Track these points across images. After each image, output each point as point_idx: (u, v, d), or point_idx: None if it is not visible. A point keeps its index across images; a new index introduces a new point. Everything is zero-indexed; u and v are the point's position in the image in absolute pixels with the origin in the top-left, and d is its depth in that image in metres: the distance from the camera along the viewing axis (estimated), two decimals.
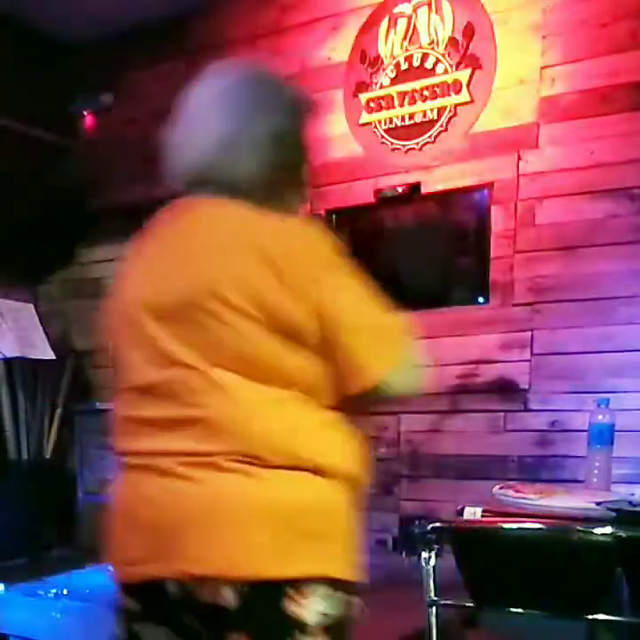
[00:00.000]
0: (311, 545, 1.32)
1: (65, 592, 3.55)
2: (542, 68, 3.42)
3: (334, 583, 1.34)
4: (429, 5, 3.63)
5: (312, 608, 1.31)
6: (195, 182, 1.42)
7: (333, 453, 1.37)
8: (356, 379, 1.35)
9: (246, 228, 1.37)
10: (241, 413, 1.32)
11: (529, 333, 3.43)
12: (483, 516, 2.13)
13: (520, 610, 2.04)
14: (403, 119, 3.71)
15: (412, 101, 3.68)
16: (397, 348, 1.38)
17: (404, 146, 3.71)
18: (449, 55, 3.59)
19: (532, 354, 3.43)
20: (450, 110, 3.59)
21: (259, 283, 1.31)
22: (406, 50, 3.70)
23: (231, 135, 1.37)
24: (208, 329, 1.34)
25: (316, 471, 1.34)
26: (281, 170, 1.41)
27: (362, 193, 3.79)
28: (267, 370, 1.33)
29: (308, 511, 1.33)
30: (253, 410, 1.33)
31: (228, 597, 1.29)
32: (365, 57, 3.81)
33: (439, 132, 3.62)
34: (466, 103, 3.56)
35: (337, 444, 1.39)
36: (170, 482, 1.36)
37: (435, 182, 3.66)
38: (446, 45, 3.59)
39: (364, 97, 3.81)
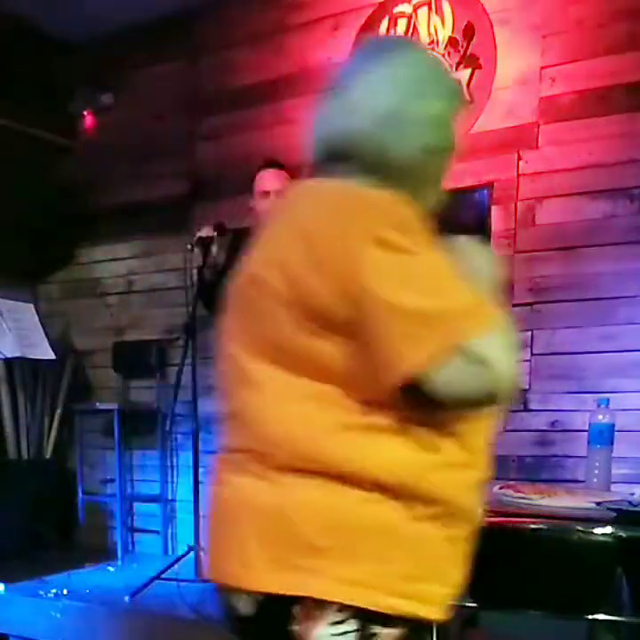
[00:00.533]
0: (320, 562, 1.17)
1: (65, 592, 3.56)
2: (542, 68, 3.43)
3: (352, 611, 1.17)
4: (429, 5, 3.63)
5: (319, 633, 1.18)
6: (335, 155, 1.31)
7: (373, 460, 1.18)
8: (385, 371, 1.14)
9: (306, 202, 1.27)
10: (263, 409, 1.23)
11: (529, 333, 3.43)
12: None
13: (520, 610, 2.03)
14: None
15: None
16: (447, 338, 1.11)
17: None
18: (449, 55, 3.59)
19: (531, 354, 3.43)
20: None
21: (293, 262, 1.19)
22: None
23: (391, 112, 1.29)
24: (248, 316, 1.28)
25: (345, 479, 1.17)
26: (430, 155, 1.34)
27: None
28: (300, 359, 1.20)
29: (320, 524, 1.17)
30: (277, 406, 1.22)
31: (244, 605, 1.24)
32: None
33: None
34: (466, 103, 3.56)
35: (383, 449, 1.18)
36: (218, 482, 1.33)
37: None
38: (446, 45, 3.60)
39: None
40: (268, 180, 3.50)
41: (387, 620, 1.18)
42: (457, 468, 1.23)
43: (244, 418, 1.27)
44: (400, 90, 1.30)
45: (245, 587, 1.22)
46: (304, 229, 1.20)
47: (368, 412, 1.19)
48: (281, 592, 1.18)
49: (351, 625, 1.17)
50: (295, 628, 1.19)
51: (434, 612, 1.22)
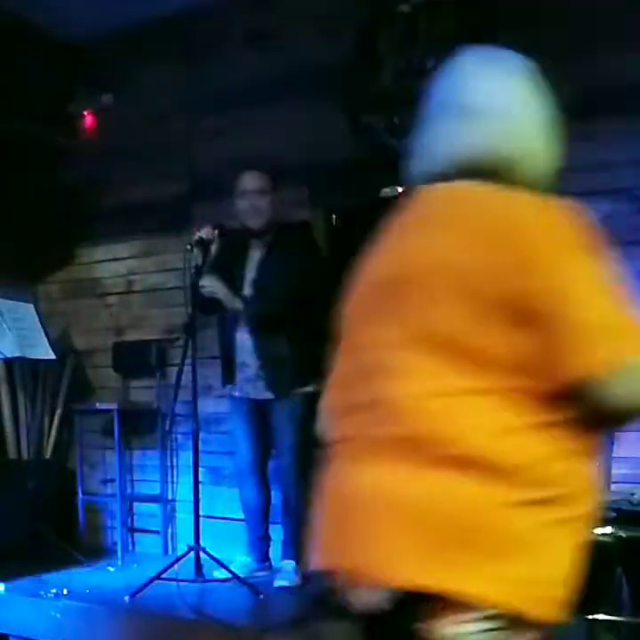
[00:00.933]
0: (467, 559, 1.17)
1: (65, 592, 3.56)
2: (542, 67, 3.42)
3: (496, 610, 1.17)
4: (429, 6, 3.63)
5: (458, 630, 1.17)
6: (472, 171, 1.39)
7: (526, 461, 1.19)
8: (560, 369, 1.18)
9: (474, 203, 1.35)
10: (415, 401, 1.23)
11: None
12: None
13: None
14: None
15: None
16: (624, 350, 1.18)
17: None
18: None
19: None
20: None
21: (468, 260, 1.25)
22: (406, 50, 3.69)
23: (533, 139, 1.46)
24: (400, 306, 1.30)
25: (496, 477, 1.18)
26: (552, 172, 1.54)
27: (362, 193, 3.79)
28: (463, 353, 1.22)
29: (468, 520, 1.18)
30: (430, 399, 1.22)
31: (376, 599, 1.21)
32: (365, 57, 3.80)
33: None
34: None
35: (537, 451, 1.20)
36: (347, 472, 1.31)
37: None
38: (446, 45, 3.59)
39: (363, 97, 3.81)
40: (248, 180, 3.61)
41: (525, 622, 1.19)
42: (595, 477, 1.27)
43: (389, 408, 1.25)
44: (535, 118, 1.47)
45: (387, 580, 1.19)
46: (478, 230, 1.27)
47: (525, 412, 1.20)
48: (428, 588, 1.16)
49: (491, 624, 1.18)
50: (432, 624, 1.18)
51: (564, 616, 1.24)
